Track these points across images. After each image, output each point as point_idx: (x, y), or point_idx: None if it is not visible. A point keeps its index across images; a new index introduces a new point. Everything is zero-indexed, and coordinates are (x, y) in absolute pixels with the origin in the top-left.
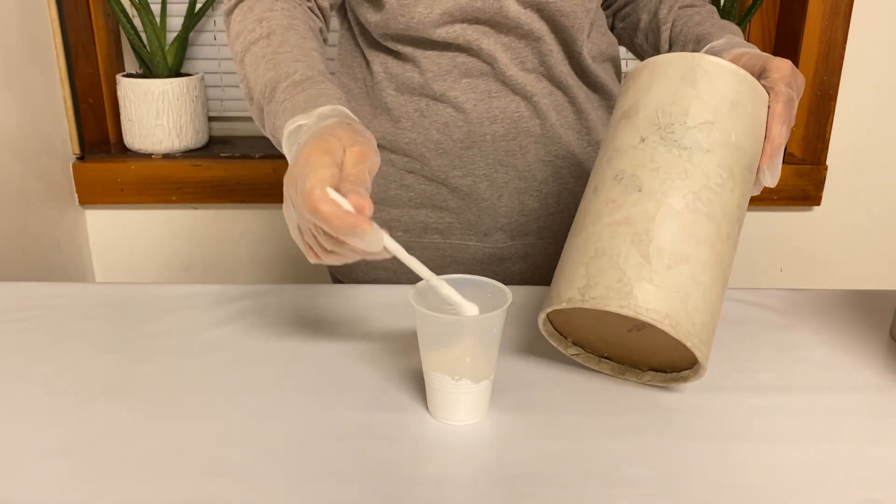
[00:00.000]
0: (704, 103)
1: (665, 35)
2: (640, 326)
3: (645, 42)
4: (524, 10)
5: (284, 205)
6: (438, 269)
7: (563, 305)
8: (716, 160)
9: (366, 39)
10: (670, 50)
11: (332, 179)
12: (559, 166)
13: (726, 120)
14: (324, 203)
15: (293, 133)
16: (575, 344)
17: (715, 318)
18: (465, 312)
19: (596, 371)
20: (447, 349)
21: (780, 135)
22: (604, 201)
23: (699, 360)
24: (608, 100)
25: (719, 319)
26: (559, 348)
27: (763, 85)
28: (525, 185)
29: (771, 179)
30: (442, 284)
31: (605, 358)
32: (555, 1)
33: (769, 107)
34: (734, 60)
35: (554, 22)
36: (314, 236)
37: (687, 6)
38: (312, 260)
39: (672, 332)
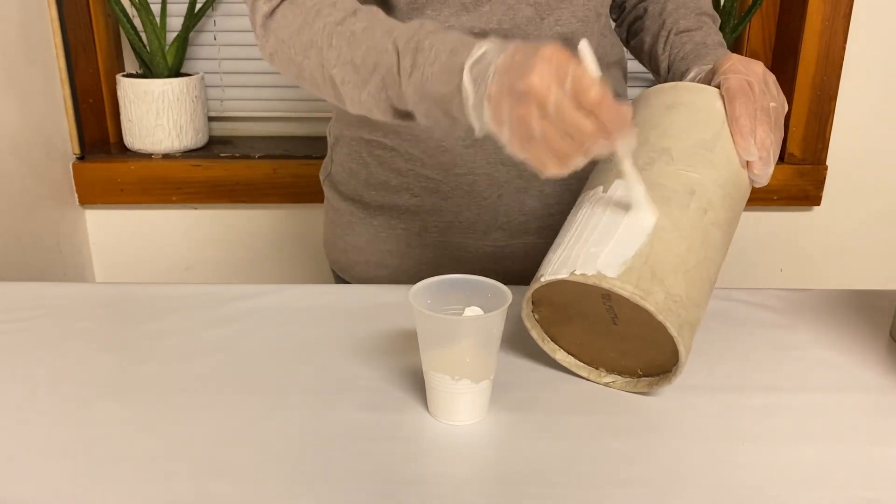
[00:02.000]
0: (637, 119)
1: (664, 65)
2: (612, 315)
3: (649, 66)
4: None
5: (516, 111)
6: (438, 268)
7: (535, 286)
8: (646, 148)
9: None
10: (669, 77)
11: None
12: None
13: (659, 119)
14: (609, 97)
15: (479, 60)
16: (591, 366)
17: (660, 266)
18: (644, 219)
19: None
20: (447, 349)
21: (742, 110)
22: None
23: (664, 323)
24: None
25: (702, 303)
26: (546, 349)
27: (714, 85)
28: (525, 185)
29: (749, 153)
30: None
31: (613, 373)
32: (576, 31)
33: (723, 95)
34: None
35: (566, 40)
36: (572, 143)
37: (682, 31)
38: (551, 171)
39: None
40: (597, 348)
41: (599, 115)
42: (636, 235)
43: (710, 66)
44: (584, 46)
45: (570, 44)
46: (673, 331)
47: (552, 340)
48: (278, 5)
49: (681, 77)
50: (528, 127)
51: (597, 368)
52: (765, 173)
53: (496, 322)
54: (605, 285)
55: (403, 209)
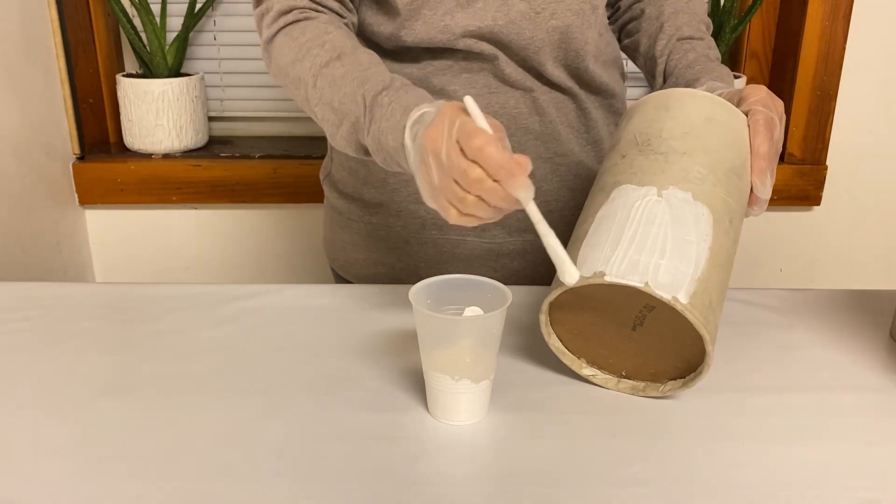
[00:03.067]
0: (678, 121)
1: (660, 68)
2: (640, 320)
3: (644, 67)
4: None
5: (421, 164)
6: (437, 266)
7: (556, 293)
8: (694, 160)
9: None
10: (664, 83)
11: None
12: (559, 163)
13: (701, 130)
14: (491, 145)
15: (418, 120)
16: (590, 364)
17: (712, 295)
18: (565, 276)
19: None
20: (447, 349)
21: (766, 148)
22: (590, 211)
23: (694, 324)
24: (610, 99)
25: (720, 307)
26: (572, 367)
27: (742, 111)
28: None
29: (763, 192)
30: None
31: (624, 377)
32: (572, 25)
33: (749, 126)
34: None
35: (562, 34)
36: (462, 189)
37: (685, 38)
38: (453, 219)
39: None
40: (619, 354)
41: (483, 162)
42: (688, 252)
43: (736, 91)
44: (469, 101)
45: (566, 38)
46: (710, 349)
47: (574, 351)
48: (277, 33)
49: (686, 86)
50: (430, 176)
51: (619, 377)
52: (761, 211)
53: (496, 322)
54: (678, 307)
55: (402, 207)
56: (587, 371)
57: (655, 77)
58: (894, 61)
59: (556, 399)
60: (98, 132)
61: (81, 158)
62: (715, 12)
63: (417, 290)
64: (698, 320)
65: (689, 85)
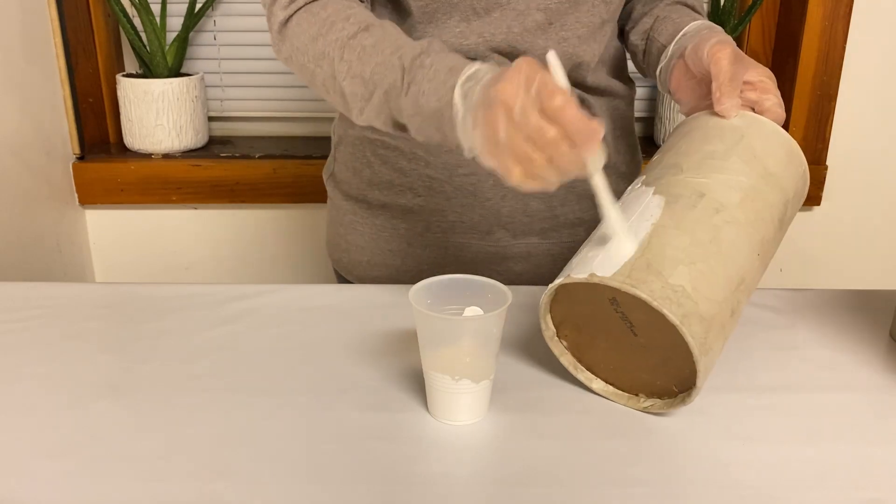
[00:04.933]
0: (662, 152)
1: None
2: (629, 324)
3: (632, 56)
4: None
5: (486, 118)
6: (440, 267)
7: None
8: (657, 168)
9: None
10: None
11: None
12: None
13: (675, 144)
14: (572, 106)
15: (472, 77)
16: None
17: (696, 283)
18: (621, 250)
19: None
20: (447, 349)
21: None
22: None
23: (681, 332)
24: (615, 100)
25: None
26: (580, 378)
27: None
28: None
29: (721, 103)
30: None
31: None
32: (582, 36)
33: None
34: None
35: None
36: (532, 149)
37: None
38: (515, 179)
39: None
40: (630, 369)
41: (562, 123)
42: (633, 240)
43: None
44: (552, 57)
45: (571, 48)
46: (674, 319)
47: (587, 369)
48: (294, 13)
49: (659, 48)
50: (495, 131)
51: (636, 395)
52: (729, 104)
53: (496, 322)
54: (594, 281)
55: (406, 209)
56: (597, 385)
57: (639, 56)
58: (894, 61)
59: (556, 399)
60: (98, 132)
61: (81, 158)
62: (715, 12)
63: (417, 290)
64: (623, 283)
65: (659, 49)
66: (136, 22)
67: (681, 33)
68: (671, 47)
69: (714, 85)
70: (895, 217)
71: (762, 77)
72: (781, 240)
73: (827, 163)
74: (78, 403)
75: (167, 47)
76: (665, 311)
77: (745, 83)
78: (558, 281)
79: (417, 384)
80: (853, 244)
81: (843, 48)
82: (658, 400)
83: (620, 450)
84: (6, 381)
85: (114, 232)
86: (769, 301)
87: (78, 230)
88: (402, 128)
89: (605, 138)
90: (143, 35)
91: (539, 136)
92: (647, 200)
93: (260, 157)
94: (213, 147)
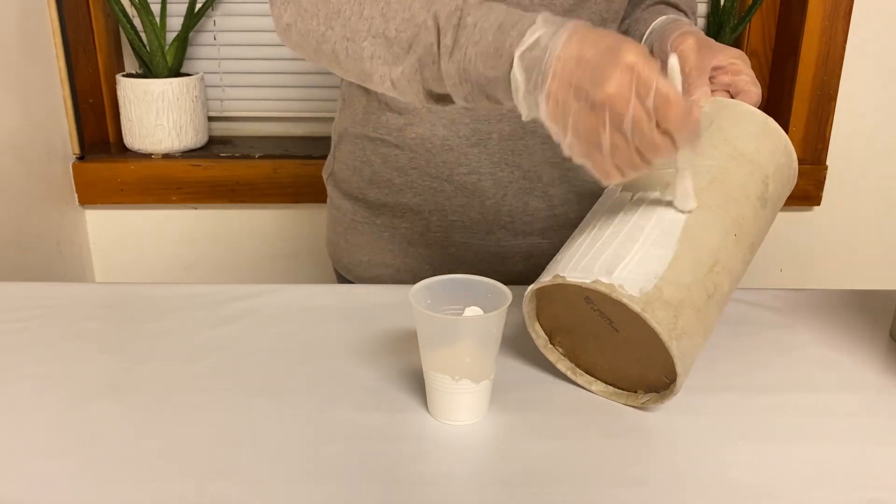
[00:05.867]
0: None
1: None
2: (611, 322)
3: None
4: None
5: (585, 119)
6: (441, 267)
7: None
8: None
9: None
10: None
11: None
12: (567, 168)
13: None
14: (692, 117)
15: (533, 45)
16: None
17: (676, 296)
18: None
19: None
20: (447, 349)
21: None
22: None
23: (660, 335)
24: None
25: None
26: (576, 379)
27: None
28: (530, 186)
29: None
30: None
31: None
32: None
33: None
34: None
35: None
36: (641, 159)
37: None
38: (611, 180)
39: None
40: (622, 366)
41: (677, 132)
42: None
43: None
44: (674, 63)
45: None
46: (635, 307)
47: (586, 372)
48: None
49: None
50: (598, 137)
51: (635, 392)
52: (698, 93)
53: (496, 322)
54: (558, 282)
55: (406, 208)
56: (598, 387)
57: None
58: (894, 61)
59: (556, 399)
60: (98, 132)
61: (81, 158)
62: (715, 12)
63: (417, 290)
64: (585, 281)
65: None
66: (136, 22)
67: (648, 31)
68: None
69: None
70: (895, 217)
71: (732, 59)
72: (772, 218)
73: (827, 163)
74: (78, 403)
75: (167, 47)
76: (625, 301)
77: (716, 68)
78: (530, 288)
79: (417, 384)
80: (853, 244)
81: (843, 48)
82: (654, 394)
83: (620, 449)
84: (6, 381)
85: (114, 232)
86: (769, 301)
87: (78, 230)
88: (436, 98)
89: None
90: (143, 35)
91: (651, 149)
92: (618, 201)
93: (260, 157)
94: (213, 147)
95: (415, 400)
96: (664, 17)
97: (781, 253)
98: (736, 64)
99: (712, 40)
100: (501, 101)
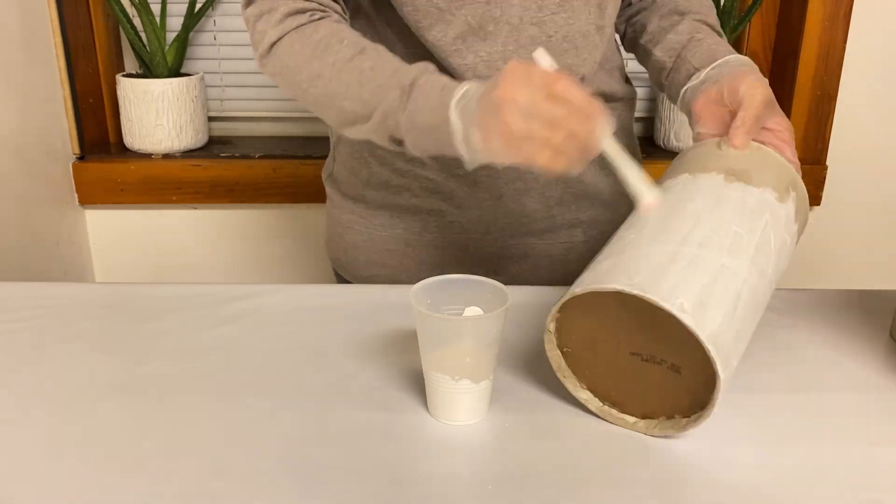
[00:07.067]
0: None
1: (670, 44)
2: (646, 355)
3: (650, 43)
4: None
5: (495, 121)
6: (438, 267)
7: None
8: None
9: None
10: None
11: None
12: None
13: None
14: (575, 87)
15: (464, 95)
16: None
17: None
18: (644, 199)
19: None
20: (447, 349)
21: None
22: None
23: (707, 348)
24: (611, 102)
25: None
26: (567, 385)
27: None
28: (526, 186)
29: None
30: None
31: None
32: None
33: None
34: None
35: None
36: (549, 131)
37: (703, 23)
38: (543, 160)
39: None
40: (622, 385)
41: (571, 100)
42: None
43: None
44: (539, 53)
45: (571, 61)
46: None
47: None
48: (286, 34)
49: (689, 70)
50: (511, 129)
51: (640, 418)
52: (743, 138)
53: (496, 322)
54: (618, 289)
55: (404, 209)
56: (583, 395)
57: (653, 56)
58: (894, 61)
59: (556, 399)
60: (98, 132)
61: (81, 158)
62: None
63: (417, 291)
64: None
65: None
66: (136, 22)
67: (719, 61)
68: (705, 71)
69: (739, 115)
70: (895, 217)
71: (783, 128)
72: (763, 228)
73: (827, 163)
74: (78, 403)
75: (167, 47)
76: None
77: (765, 128)
78: (576, 290)
79: (417, 384)
80: (853, 244)
81: (843, 48)
82: (664, 420)
83: (620, 450)
84: (6, 381)
85: (114, 232)
86: (769, 301)
87: (78, 230)
88: (398, 142)
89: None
90: (143, 35)
91: (554, 119)
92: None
93: (260, 157)
94: (213, 147)
95: (415, 400)
96: (737, 56)
97: None
98: (784, 134)
99: (776, 102)
100: (443, 147)
